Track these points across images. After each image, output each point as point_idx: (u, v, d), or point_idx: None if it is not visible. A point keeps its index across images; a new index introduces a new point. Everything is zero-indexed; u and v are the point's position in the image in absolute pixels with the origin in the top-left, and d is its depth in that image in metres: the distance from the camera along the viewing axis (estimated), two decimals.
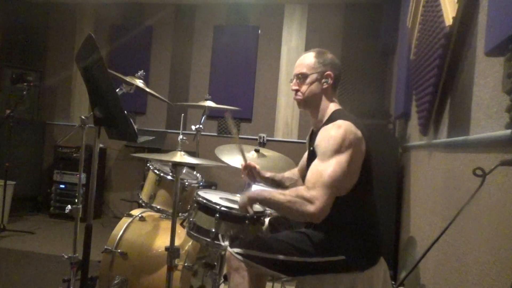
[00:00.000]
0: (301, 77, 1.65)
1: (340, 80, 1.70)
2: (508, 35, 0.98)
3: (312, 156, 1.58)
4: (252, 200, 1.56)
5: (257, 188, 1.82)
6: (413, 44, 2.46)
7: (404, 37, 3.05)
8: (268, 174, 1.97)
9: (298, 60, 1.70)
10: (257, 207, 1.87)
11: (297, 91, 1.67)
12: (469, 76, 1.49)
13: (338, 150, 1.42)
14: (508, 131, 1.01)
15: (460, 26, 1.63)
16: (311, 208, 1.35)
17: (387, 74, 4.39)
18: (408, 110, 2.91)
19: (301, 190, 1.40)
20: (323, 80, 1.63)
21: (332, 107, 1.64)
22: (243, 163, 1.96)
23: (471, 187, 1.18)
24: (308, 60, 1.65)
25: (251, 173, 1.96)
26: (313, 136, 1.67)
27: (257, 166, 1.96)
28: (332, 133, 1.46)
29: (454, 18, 1.56)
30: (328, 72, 1.63)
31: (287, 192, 1.43)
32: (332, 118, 1.57)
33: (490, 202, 1.19)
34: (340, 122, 1.49)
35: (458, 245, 1.46)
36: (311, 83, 1.63)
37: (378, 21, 4.31)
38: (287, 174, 2.00)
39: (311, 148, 1.62)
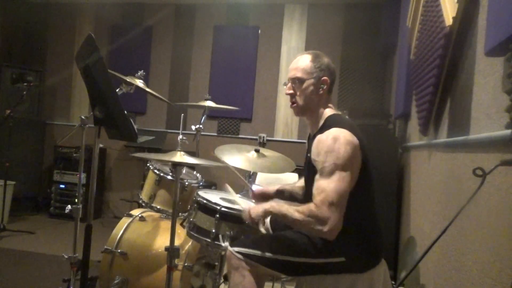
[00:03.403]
0: (297, 82, 1.61)
1: (334, 84, 1.67)
2: (508, 35, 0.98)
3: (309, 164, 1.57)
4: (267, 214, 1.53)
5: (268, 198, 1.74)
6: (413, 44, 2.46)
7: (404, 37, 3.05)
8: (276, 187, 1.94)
9: (293, 62, 1.65)
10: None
11: (292, 96, 1.64)
12: (469, 76, 1.49)
13: (338, 165, 1.40)
14: (508, 131, 1.01)
15: (460, 26, 1.63)
16: (324, 228, 1.36)
17: (387, 74, 4.39)
18: (408, 110, 2.91)
19: (313, 209, 1.38)
20: (319, 86, 1.60)
21: (328, 112, 1.62)
22: (251, 191, 1.96)
23: (471, 187, 1.18)
24: (304, 63, 1.61)
25: (262, 198, 1.92)
26: (310, 140, 1.66)
27: (264, 188, 1.95)
28: (330, 146, 1.43)
29: (454, 18, 1.56)
30: (325, 78, 1.60)
31: (301, 209, 1.41)
32: (327, 124, 1.54)
33: (490, 202, 1.19)
34: (335, 131, 1.46)
35: (458, 245, 1.46)
36: (307, 88, 1.60)
37: (378, 21, 4.31)
38: (299, 183, 1.95)
39: (308, 155, 1.61)
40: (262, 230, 1.64)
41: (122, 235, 2.15)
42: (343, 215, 1.41)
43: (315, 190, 1.43)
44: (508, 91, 1.02)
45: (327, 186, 1.39)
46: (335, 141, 1.43)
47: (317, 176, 1.45)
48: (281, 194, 1.92)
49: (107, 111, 1.67)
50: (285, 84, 1.68)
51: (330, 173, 1.40)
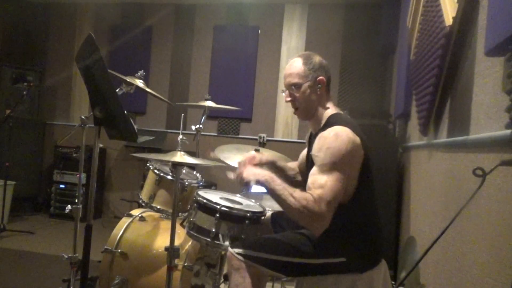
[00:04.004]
0: (294, 88, 1.61)
1: (331, 80, 1.67)
2: (508, 35, 0.98)
3: (311, 163, 1.56)
4: (258, 182, 1.48)
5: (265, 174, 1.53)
6: (413, 44, 2.46)
7: (404, 37, 3.05)
8: (270, 159, 1.85)
9: (286, 69, 1.65)
10: (257, 207, 1.87)
11: (292, 102, 1.64)
12: (469, 76, 1.49)
13: (337, 164, 1.40)
14: (508, 131, 1.01)
15: (460, 26, 1.63)
16: (317, 224, 1.37)
17: (387, 74, 4.39)
18: (408, 110, 2.91)
19: (311, 202, 1.36)
20: (317, 87, 1.60)
21: (329, 111, 1.62)
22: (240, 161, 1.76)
23: (471, 187, 1.18)
24: (297, 68, 1.61)
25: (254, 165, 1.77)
26: (311, 139, 1.66)
27: (255, 154, 1.78)
28: (331, 143, 1.43)
29: (454, 18, 1.56)
30: (320, 78, 1.61)
31: (297, 196, 1.39)
32: (329, 123, 1.55)
33: (490, 202, 1.18)
34: (337, 129, 1.46)
35: (458, 245, 1.46)
36: (306, 92, 1.60)
37: (378, 21, 4.31)
38: (290, 164, 1.96)
39: (310, 152, 1.62)
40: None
41: (122, 235, 2.15)
42: (342, 213, 1.42)
43: (311, 183, 1.42)
44: (508, 91, 1.02)
45: (326, 183, 1.39)
46: (337, 138, 1.43)
47: (314, 170, 1.45)
48: (272, 166, 1.84)
49: (107, 111, 1.67)
50: (283, 92, 1.67)
51: (329, 170, 1.40)
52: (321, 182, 1.40)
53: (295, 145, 4.63)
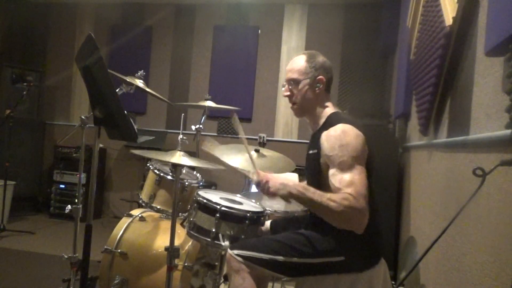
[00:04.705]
0: (293, 83, 1.63)
1: (332, 82, 1.68)
2: (508, 35, 0.98)
3: (312, 161, 1.57)
4: (292, 196, 1.43)
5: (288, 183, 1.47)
6: (413, 44, 2.46)
7: (404, 37, 3.05)
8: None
9: (289, 64, 1.67)
10: (257, 207, 1.87)
11: (289, 97, 1.66)
12: (469, 76, 1.49)
13: (356, 158, 1.39)
14: (508, 131, 1.01)
15: (460, 26, 1.63)
16: (362, 221, 1.33)
17: (387, 74, 4.39)
18: (408, 110, 2.91)
19: (351, 200, 1.31)
20: (316, 85, 1.61)
21: (328, 110, 1.63)
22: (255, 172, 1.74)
23: (471, 187, 1.18)
24: (299, 64, 1.63)
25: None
26: (312, 138, 1.67)
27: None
28: (342, 140, 1.42)
29: (454, 18, 1.56)
30: (320, 77, 1.61)
31: (336, 198, 1.33)
32: (329, 122, 1.55)
33: (490, 202, 1.18)
34: (342, 126, 1.46)
35: (458, 245, 1.46)
36: (303, 89, 1.61)
37: (378, 21, 4.31)
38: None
39: (309, 152, 1.62)
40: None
41: (122, 235, 2.15)
42: None
43: (338, 182, 1.38)
44: (508, 91, 1.02)
45: (353, 179, 1.36)
46: (346, 135, 1.44)
47: (334, 171, 1.42)
48: None
49: (107, 111, 1.67)
50: (283, 86, 1.69)
51: (351, 166, 1.39)
52: (349, 179, 1.36)
53: (295, 145, 4.63)
